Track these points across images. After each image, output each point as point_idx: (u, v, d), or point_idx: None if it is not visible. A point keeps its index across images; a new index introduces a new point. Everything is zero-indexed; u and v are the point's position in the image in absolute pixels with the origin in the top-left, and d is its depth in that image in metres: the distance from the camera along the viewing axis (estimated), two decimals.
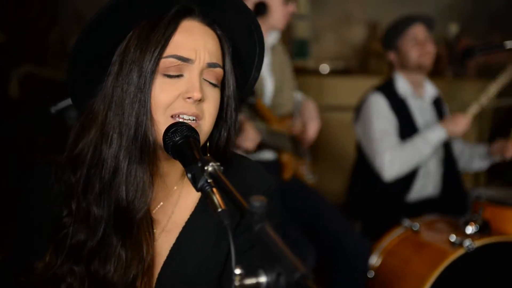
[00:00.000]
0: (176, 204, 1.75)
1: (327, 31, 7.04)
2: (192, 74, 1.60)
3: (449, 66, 6.48)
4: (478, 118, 5.80)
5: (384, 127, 3.96)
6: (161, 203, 1.74)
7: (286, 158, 3.69)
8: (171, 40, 1.60)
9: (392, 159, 3.89)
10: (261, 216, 1.20)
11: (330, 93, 5.62)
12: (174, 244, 1.71)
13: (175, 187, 1.75)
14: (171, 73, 1.59)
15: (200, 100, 1.60)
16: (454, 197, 4.09)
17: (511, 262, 3.19)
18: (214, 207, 1.32)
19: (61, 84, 1.73)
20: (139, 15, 1.62)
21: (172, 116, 1.58)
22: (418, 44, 4.05)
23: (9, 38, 5.62)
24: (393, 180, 3.93)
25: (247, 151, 3.36)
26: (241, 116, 3.33)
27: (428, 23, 4.14)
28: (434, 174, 4.11)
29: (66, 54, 1.65)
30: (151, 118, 1.59)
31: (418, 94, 4.16)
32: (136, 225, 1.63)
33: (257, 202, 1.20)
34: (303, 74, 5.13)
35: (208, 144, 1.71)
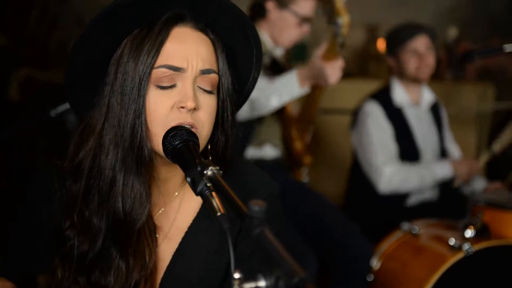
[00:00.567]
0: (178, 210, 1.74)
1: (326, 35, 7.03)
2: (185, 83, 1.59)
3: (448, 70, 6.47)
4: (477, 122, 5.81)
5: (381, 138, 3.96)
6: (163, 208, 1.74)
7: (299, 145, 3.69)
8: (162, 49, 1.59)
9: (392, 176, 3.89)
10: (260, 220, 1.20)
11: (329, 96, 5.59)
12: (177, 250, 1.71)
13: (177, 193, 1.75)
14: (164, 84, 1.58)
15: (195, 109, 1.58)
16: (453, 201, 4.09)
17: (510, 266, 3.18)
18: (214, 211, 1.32)
19: (61, 88, 1.73)
20: (132, 22, 1.61)
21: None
22: (418, 56, 4.03)
23: (9, 41, 5.63)
24: (387, 194, 3.94)
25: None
26: (319, 52, 3.31)
27: (431, 34, 4.12)
28: None
29: (66, 58, 1.64)
30: (147, 130, 1.58)
31: (415, 101, 4.15)
32: (137, 232, 1.63)
33: (256, 206, 1.20)
34: None
35: (209, 147, 1.70)
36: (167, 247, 1.72)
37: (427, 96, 4.21)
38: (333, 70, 3.25)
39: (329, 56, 3.26)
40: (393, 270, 3.39)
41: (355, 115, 4.17)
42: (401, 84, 4.12)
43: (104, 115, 1.61)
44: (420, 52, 4.03)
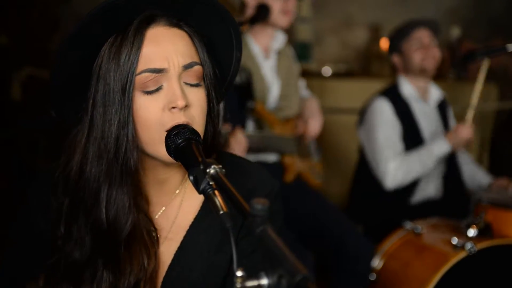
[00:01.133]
0: (179, 208, 1.74)
1: (329, 34, 7.04)
2: (170, 82, 1.57)
3: (451, 69, 6.48)
4: (480, 121, 5.80)
5: (388, 134, 3.96)
6: (163, 208, 1.74)
7: (288, 160, 3.69)
8: (141, 55, 1.56)
9: (396, 169, 3.89)
10: (263, 219, 1.20)
11: (332, 96, 5.62)
12: (178, 248, 1.71)
13: (177, 191, 1.75)
14: (150, 89, 1.56)
15: (186, 106, 1.57)
16: (456, 200, 4.09)
17: None
18: (216, 209, 1.32)
19: None
20: (105, 29, 1.58)
21: (166, 131, 1.56)
22: (422, 48, 4.05)
23: (11, 41, 5.64)
24: (394, 189, 3.93)
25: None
26: (227, 127, 3.27)
27: (433, 27, 4.13)
28: (436, 176, 4.11)
29: None
30: (137, 137, 1.58)
31: (423, 97, 4.15)
32: (132, 237, 1.63)
33: (259, 204, 1.20)
34: (305, 77, 5.11)
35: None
36: (169, 246, 1.72)
37: (435, 92, 4.21)
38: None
39: None
40: (396, 269, 3.39)
41: (363, 113, 4.16)
42: (408, 79, 4.12)
43: (88, 128, 1.60)
44: (424, 43, 4.04)
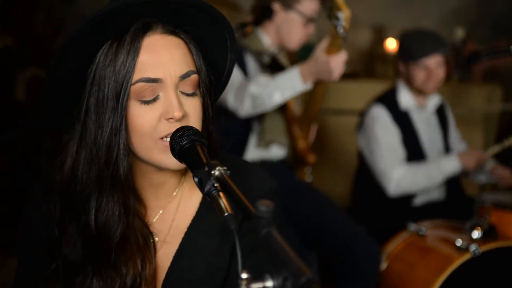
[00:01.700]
0: (176, 210, 1.74)
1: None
2: (167, 92, 1.56)
3: (455, 71, 6.47)
4: (484, 122, 5.80)
5: (389, 141, 3.96)
6: (160, 211, 1.74)
7: (302, 144, 3.68)
8: (137, 63, 1.55)
9: (401, 178, 3.89)
10: (267, 221, 1.20)
11: (335, 97, 5.61)
12: (177, 251, 1.71)
13: (174, 193, 1.75)
14: (146, 98, 1.55)
15: (183, 117, 1.56)
16: (460, 202, 4.08)
17: None
18: (221, 211, 1.32)
19: None
20: (103, 35, 1.57)
21: (161, 138, 1.56)
22: (427, 71, 4.00)
23: (16, 42, 5.65)
24: (396, 197, 3.93)
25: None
26: (322, 46, 3.29)
27: (446, 51, 4.07)
28: None
29: None
30: (131, 145, 1.58)
31: (421, 105, 4.14)
32: (125, 243, 1.63)
33: (264, 206, 1.20)
34: None
35: None
36: (166, 250, 1.72)
37: (433, 99, 4.19)
38: (337, 64, 3.24)
39: (331, 51, 3.25)
40: (400, 271, 3.39)
41: (362, 118, 4.16)
42: (407, 89, 4.10)
43: (80, 133, 1.59)
44: (431, 69, 3.99)
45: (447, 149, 4.20)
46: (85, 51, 1.57)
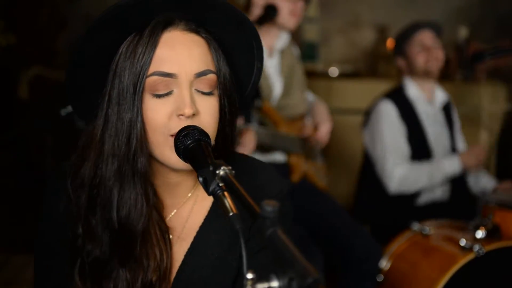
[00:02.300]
0: (191, 210, 1.74)
1: (336, 34, 7.03)
2: (181, 89, 1.56)
3: (458, 70, 6.46)
4: (488, 122, 5.79)
5: (394, 137, 3.96)
6: (175, 210, 1.74)
7: (294, 160, 3.68)
8: (153, 57, 1.56)
9: (403, 177, 3.89)
10: (273, 221, 1.19)
11: (339, 96, 5.61)
12: (189, 249, 1.71)
13: (189, 194, 1.74)
14: (160, 92, 1.56)
15: (194, 115, 1.56)
16: (463, 201, 4.08)
17: None
18: (226, 211, 1.32)
19: None
20: (126, 27, 1.58)
21: (171, 135, 1.56)
22: (425, 50, 4.05)
23: (19, 40, 5.65)
24: (397, 194, 3.94)
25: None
26: (240, 122, 3.29)
27: (436, 29, 4.14)
28: None
29: None
30: (146, 139, 1.58)
31: (428, 99, 4.15)
32: (146, 236, 1.63)
33: (269, 206, 1.20)
34: (312, 77, 5.11)
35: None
36: (180, 247, 1.72)
37: (440, 95, 4.21)
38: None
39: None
40: (403, 270, 3.38)
41: (368, 114, 4.16)
42: (414, 81, 4.13)
43: (103, 125, 1.60)
44: (427, 45, 4.05)
45: (453, 148, 4.19)
46: (108, 41, 1.58)
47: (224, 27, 1.66)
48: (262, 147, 3.53)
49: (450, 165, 3.97)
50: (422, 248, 3.38)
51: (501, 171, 4.83)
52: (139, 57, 1.56)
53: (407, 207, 4.01)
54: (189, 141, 1.50)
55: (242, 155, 1.86)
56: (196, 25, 1.63)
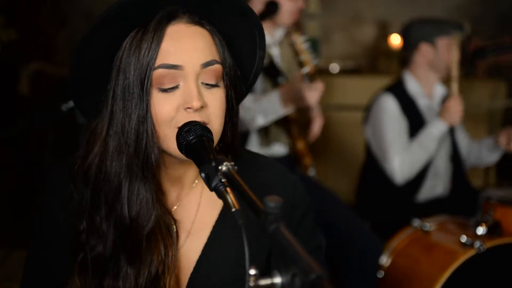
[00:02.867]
0: (199, 203, 1.73)
1: (337, 31, 7.03)
2: (187, 82, 1.55)
3: (459, 66, 6.46)
4: (488, 119, 5.79)
5: (394, 131, 3.95)
6: (178, 203, 1.73)
7: (301, 145, 3.68)
8: (159, 51, 1.55)
9: (401, 162, 3.88)
10: (276, 217, 1.19)
11: (340, 93, 5.61)
12: (206, 245, 1.70)
13: (194, 185, 1.74)
14: (166, 86, 1.55)
15: (202, 107, 1.55)
16: (463, 198, 4.08)
17: None
18: (228, 207, 1.31)
19: None
20: (129, 22, 1.58)
21: (179, 127, 1.55)
22: (451, 51, 4.01)
23: (20, 36, 5.64)
24: (405, 182, 3.92)
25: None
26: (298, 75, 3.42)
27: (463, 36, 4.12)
28: (443, 173, 4.10)
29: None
30: (156, 133, 1.57)
31: (428, 94, 4.14)
32: (151, 230, 1.62)
33: (272, 202, 1.19)
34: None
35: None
36: (191, 242, 1.71)
37: (439, 89, 4.19)
38: (312, 92, 3.34)
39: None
40: (404, 267, 3.38)
41: (369, 108, 4.15)
42: (414, 77, 4.10)
43: (108, 121, 1.59)
44: (453, 47, 4.01)
45: (453, 140, 4.18)
46: (112, 37, 1.58)
47: (227, 18, 1.65)
48: (263, 139, 3.56)
49: (437, 128, 3.93)
50: (423, 245, 3.38)
51: (501, 168, 4.82)
52: (144, 52, 1.55)
53: (407, 204, 4.01)
54: (191, 137, 1.49)
55: (251, 151, 1.86)
56: (200, 17, 1.62)
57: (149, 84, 1.55)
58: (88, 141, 1.63)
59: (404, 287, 3.32)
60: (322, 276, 1.06)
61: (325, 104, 3.87)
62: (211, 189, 1.37)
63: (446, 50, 4.02)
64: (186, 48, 1.56)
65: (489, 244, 3.07)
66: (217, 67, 1.60)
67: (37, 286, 1.75)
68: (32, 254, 1.77)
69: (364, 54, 7.12)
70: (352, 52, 7.08)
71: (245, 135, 3.56)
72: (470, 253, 3.06)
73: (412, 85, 4.09)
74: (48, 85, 5.50)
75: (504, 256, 3.14)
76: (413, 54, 4.10)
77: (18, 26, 5.63)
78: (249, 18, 1.66)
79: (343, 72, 6.52)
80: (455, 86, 3.90)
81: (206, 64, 1.57)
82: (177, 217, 1.70)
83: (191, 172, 1.71)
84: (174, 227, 1.68)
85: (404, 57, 4.21)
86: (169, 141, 1.56)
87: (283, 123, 3.65)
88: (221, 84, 1.62)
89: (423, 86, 4.11)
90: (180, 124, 1.54)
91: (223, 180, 1.35)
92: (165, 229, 1.65)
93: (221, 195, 1.34)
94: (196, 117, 1.54)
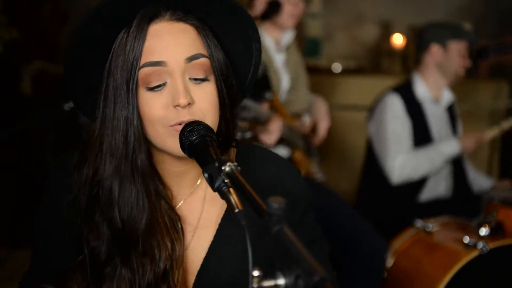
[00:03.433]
0: (203, 201, 1.73)
1: (339, 30, 7.02)
2: (173, 78, 1.55)
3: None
4: (491, 118, 5.78)
5: (398, 130, 3.95)
6: (182, 201, 1.72)
7: (298, 155, 3.68)
8: (143, 50, 1.55)
9: (403, 164, 3.88)
10: (279, 218, 1.18)
11: (342, 92, 5.61)
12: (213, 242, 1.69)
13: (198, 182, 1.73)
14: (152, 84, 1.54)
15: (190, 104, 1.54)
16: (465, 199, 4.08)
17: None
18: (231, 207, 1.30)
19: None
20: (115, 24, 1.58)
21: (171, 126, 1.55)
22: (464, 57, 4.04)
23: (22, 35, 5.63)
24: (400, 184, 3.92)
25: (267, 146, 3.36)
26: (265, 108, 3.34)
27: (471, 44, 4.15)
28: (446, 174, 4.10)
29: None
30: (145, 135, 1.57)
31: (435, 99, 4.13)
32: (154, 227, 1.62)
33: (275, 203, 1.18)
34: (315, 73, 5.11)
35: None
36: (198, 240, 1.71)
37: (447, 95, 4.19)
38: (267, 136, 3.38)
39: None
40: (406, 267, 3.38)
41: (374, 106, 4.15)
42: (423, 80, 4.10)
43: (100, 124, 1.60)
44: (465, 54, 4.04)
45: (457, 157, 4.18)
46: (101, 39, 1.58)
47: (218, 15, 1.64)
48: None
49: (449, 147, 3.96)
50: (425, 245, 3.37)
51: (504, 168, 4.82)
52: (128, 53, 1.55)
53: (410, 204, 4.00)
54: (194, 137, 1.49)
55: (250, 145, 1.85)
56: (184, 13, 1.61)
57: (135, 84, 1.55)
58: (85, 143, 1.64)
59: None
60: (326, 278, 1.05)
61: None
62: (214, 190, 1.36)
63: (456, 55, 4.03)
64: (169, 44, 1.56)
65: (492, 245, 3.07)
66: (204, 60, 1.59)
67: (38, 275, 1.76)
68: (35, 244, 1.79)
69: (366, 54, 7.12)
70: (355, 52, 7.07)
71: None
72: (473, 254, 3.06)
73: (420, 88, 4.09)
74: (50, 84, 5.49)
75: (506, 257, 3.14)
76: (424, 54, 4.12)
77: (19, 25, 5.62)
78: (239, 14, 1.65)
79: (345, 72, 6.52)
80: (494, 131, 4.00)
81: (191, 58, 1.56)
82: (182, 214, 1.71)
83: (193, 170, 1.70)
84: (179, 223, 1.68)
85: (416, 58, 4.23)
86: (163, 139, 1.56)
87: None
88: (211, 78, 1.61)
89: (431, 89, 4.11)
90: (171, 122, 1.54)
91: (226, 181, 1.35)
92: (171, 224, 1.65)
93: (224, 196, 1.34)
94: (186, 115, 1.53)
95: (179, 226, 1.67)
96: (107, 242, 1.61)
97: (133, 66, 1.54)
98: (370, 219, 3.94)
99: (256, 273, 1.15)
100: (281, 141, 3.56)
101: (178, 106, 1.53)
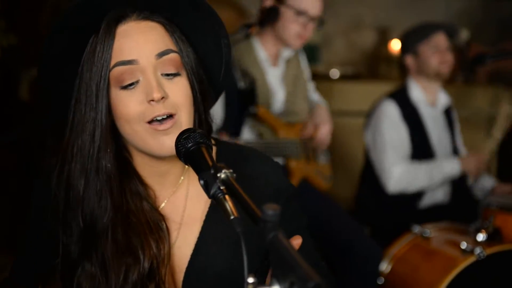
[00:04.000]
0: (186, 198, 1.75)
1: (337, 36, 7.02)
2: (145, 75, 1.58)
3: (459, 72, 6.46)
4: (489, 124, 5.78)
5: (395, 138, 3.96)
6: (166, 200, 1.74)
7: (293, 164, 3.68)
8: (112, 51, 1.58)
9: (401, 175, 3.89)
10: (274, 225, 1.18)
11: (340, 98, 5.61)
12: (199, 238, 1.71)
13: (180, 180, 1.75)
14: (126, 83, 1.58)
15: (164, 98, 1.57)
16: (464, 205, 4.08)
17: None
18: (227, 214, 1.31)
19: None
20: (84, 30, 1.61)
21: (148, 122, 1.58)
22: (439, 52, 4.05)
23: (20, 41, 5.64)
24: (395, 194, 3.93)
25: None
26: (225, 137, 3.31)
27: (450, 32, 4.15)
28: None
29: None
30: (111, 137, 1.61)
31: (431, 102, 4.14)
32: (140, 226, 1.64)
33: (270, 210, 1.19)
34: (313, 79, 5.11)
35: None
36: (184, 237, 1.72)
37: (443, 98, 4.20)
38: None
39: None
40: (404, 273, 3.38)
41: (371, 114, 4.16)
42: (418, 84, 4.12)
43: (70, 127, 1.63)
44: (441, 48, 4.05)
45: (454, 150, 4.19)
46: (73, 47, 1.62)
47: (183, 13, 1.67)
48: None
49: (450, 167, 3.97)
50: (423, 251, 3.37)
51: (502, 174, 4.81)
52: (98, 55, 1.58)
53: (408, 210, 4.00)
54: (190, 144, 1.50)
55: (226, 142, 1.89)
56: (150, 12, 1.64)
57: (105, 86, 1.58)
58: (61, 146, 1.67)
59: None
60: (320, 285, 1.05)
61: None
62: (210, 197, 1.37)
63: (430, 56, 4.06)
64: (138, 42, 1.59)
65: (489, 250, 3.07)
66: (174, 56, 1.62)
67: (18, 279, 1.82)
68: (18, 250, 1.86)
69: (364, 60, 7.12)
70: (352, 58, 7.08)
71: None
72: (470, 259, 3.06)
73: (416, 92, 4.10)
74: None
75: (504, 263, 3.13)
76: (406, 66, 4.17)
77: (18, 31, 5.62)
78: (203, 10, 1.69)
79: (343, 77, 6.52)
80: (491, 145, 3.98)
81: (161, 54, 1.60)
82: (166, 213, 1.73)
83: (175, 169, 1.73)
84: (164, 222, 1.70)
85: (403, 66, 4.27)
86: (142, 137, 1.60)
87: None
88: (183, 73, 1.64)
89: (427, 93, 4.12)
90: (147, 118, 1.57)
91: (221, 188, 1.36)
92: (154, 225, 1.67)
93: (219, 203, 1.34)
94: (161, 109, 1.56)
95: (164, 225, 1.69)
96: (76, 242, 1.63)
97: (103, 67, 1.58)
98: (368, 225, 3.95)
99: (251, 280, 1.16)
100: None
101: (153, 100, 1.56)
